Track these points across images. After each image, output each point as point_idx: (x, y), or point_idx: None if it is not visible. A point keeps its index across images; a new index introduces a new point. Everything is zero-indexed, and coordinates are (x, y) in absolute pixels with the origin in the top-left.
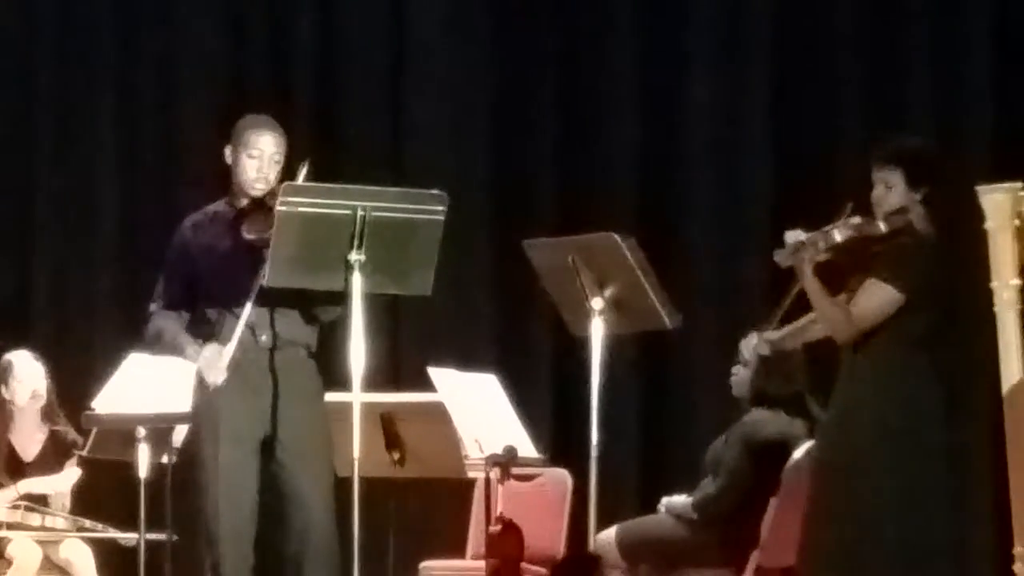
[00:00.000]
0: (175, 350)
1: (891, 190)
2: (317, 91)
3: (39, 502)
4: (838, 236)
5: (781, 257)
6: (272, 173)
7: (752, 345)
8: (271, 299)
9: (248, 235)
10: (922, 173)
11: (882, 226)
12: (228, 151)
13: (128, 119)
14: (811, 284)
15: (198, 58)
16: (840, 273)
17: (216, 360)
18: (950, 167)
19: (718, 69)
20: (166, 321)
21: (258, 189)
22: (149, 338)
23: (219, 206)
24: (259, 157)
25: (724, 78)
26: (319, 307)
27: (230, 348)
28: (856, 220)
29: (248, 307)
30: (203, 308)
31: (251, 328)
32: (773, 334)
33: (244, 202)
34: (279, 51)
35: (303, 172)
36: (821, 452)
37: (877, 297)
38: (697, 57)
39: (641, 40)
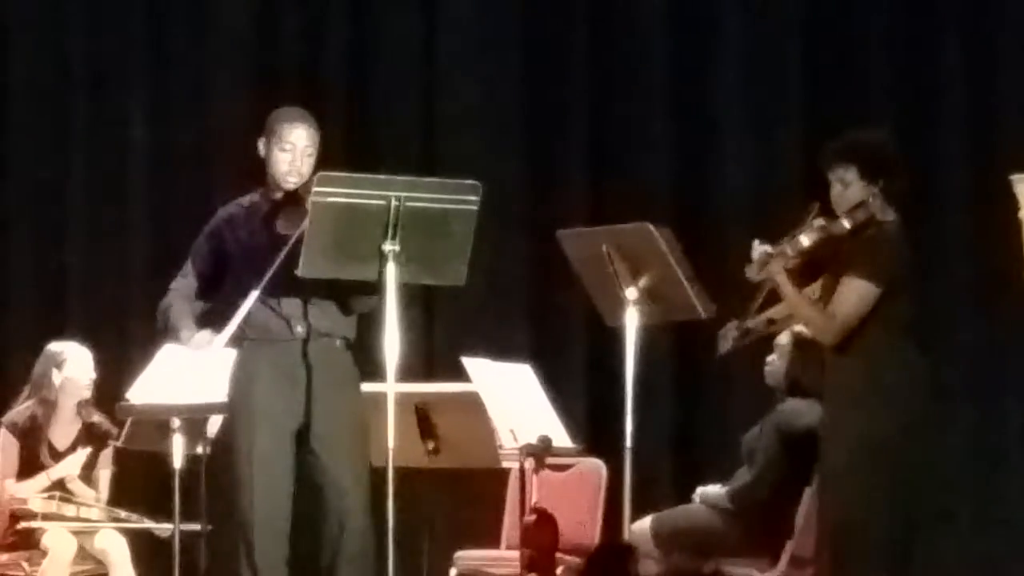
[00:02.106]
0: (171, 331)
1: (848, 187)
2: (349, 82)
3: (65, 489)
4: (805, 241)
5: (752, 272)
6: (305, 166)
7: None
8: (306, 290)
9: (282, 230)
10: (876, 164)
11: (846, 223)
12: (261, 144)
13: (160, 111)
14: (789, 292)
15: (230, 51)
16: (817, 272)
17: (205, 344)
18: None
19: (752, 59)
20: (178, 302)
21: (291, 182)
22: (159, 312)
23: (254, 198)
24: (291, 150)
25: (759, 71)
26: (353, 298)
27: (223, 337)
28: (820, 222)
29: (251, 297)
30: (238, 301)
31: (286, 319)
32: (752, 322)
33: (279, 195)
34: (311, 42)
35: None
36: (821, 456)
37: (855, 293)
38: (731, 51)
39: (673, 28)
